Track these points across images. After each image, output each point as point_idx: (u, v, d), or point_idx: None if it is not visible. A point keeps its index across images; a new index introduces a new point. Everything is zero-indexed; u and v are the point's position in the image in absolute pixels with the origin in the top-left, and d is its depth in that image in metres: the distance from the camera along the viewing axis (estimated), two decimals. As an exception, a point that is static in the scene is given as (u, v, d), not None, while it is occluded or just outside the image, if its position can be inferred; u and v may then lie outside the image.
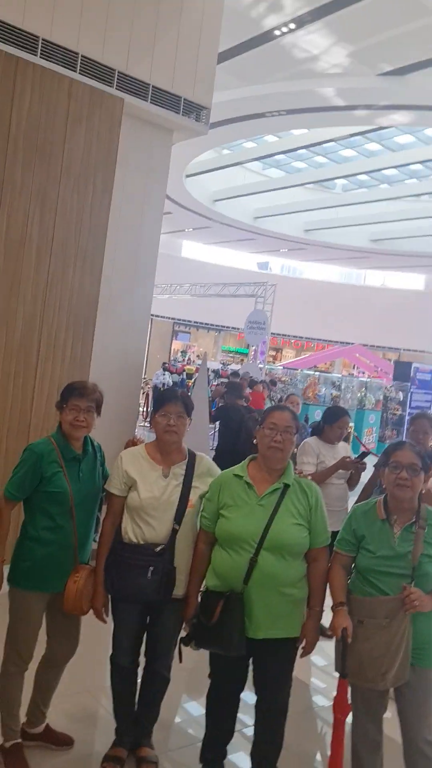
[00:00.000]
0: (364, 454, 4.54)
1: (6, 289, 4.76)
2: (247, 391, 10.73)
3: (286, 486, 2.76)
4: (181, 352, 25.25)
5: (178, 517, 2.84)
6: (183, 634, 2.87)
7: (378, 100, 12.62)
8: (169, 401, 2.88)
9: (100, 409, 2.93)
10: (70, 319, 5.08)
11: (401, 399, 17.68)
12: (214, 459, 7.92)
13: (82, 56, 4.88)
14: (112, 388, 4.40)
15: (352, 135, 16.10)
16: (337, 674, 2.69)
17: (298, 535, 2.72)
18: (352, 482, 4.63)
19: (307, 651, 2.81)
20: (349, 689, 2.68)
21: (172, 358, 22.53)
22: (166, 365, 18.76)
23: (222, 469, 2.97)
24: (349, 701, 2.66)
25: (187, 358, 23.84)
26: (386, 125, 14.83)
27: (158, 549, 2.81)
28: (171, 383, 16.71)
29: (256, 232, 25.09)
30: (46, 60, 4.73)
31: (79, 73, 4.89)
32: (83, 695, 3.52)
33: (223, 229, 25.28)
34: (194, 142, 13.78)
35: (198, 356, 29.10)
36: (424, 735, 2.65)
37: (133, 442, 3.08)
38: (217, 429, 7.38)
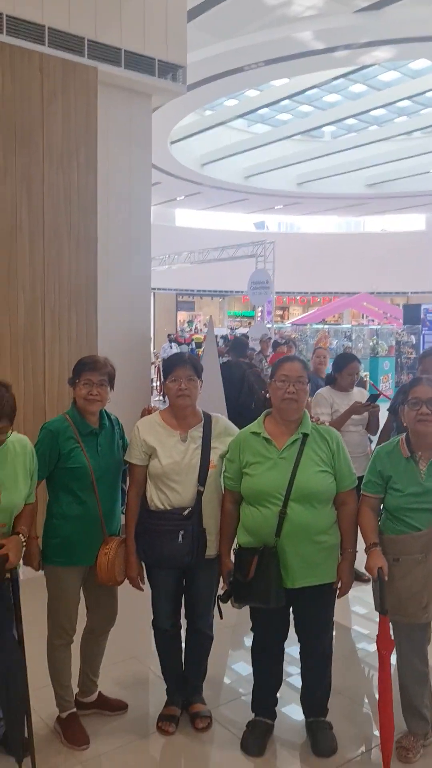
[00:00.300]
0: (375, 397, 4.52)
1: (4, 277, 4.74)
2: (270, 352, 10.67)
3: (305, 435, 2.76)
4: (188, 322, 25.16)
5: (202, 479, 2.86)
6: (220, 592, 2.91)
7: (357, 38, 12.26)
8: (178, 365, 2.88)
9: (113, 383, 2.93)
10: (72, 299, 5.06)
11: (414, 342, 17.53)
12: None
13: (49, 28, 4.78)
14: (120, 363, 4.33)
15: (335, 78, 15.70)
16: (377, 617, 2.73)
17: (323, 481, 2.73)
18: (370, 428, 4.61)
19: (344, 592, 2.85)
20: (391, 626, 2.72)
21: (179, 329, 22.47)
22: (173, 336, 18.70)
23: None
24: (392, 638, 2.70)
25: (194, 328, 23.75)
26: (369, 63, 14.44)
27: (186, 512, 2.83)
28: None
29: (249, 192, 24.73)
30: (13, 36, 4.64)
31: (48, 46, 4.79)
32: (131, 662, 3.60)
33: (215, 193, 24.95)
34: (175, 106, 13.56)
35: (204, 324, 29.03)
36: None
37: (148, 411, 3.08)
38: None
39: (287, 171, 23.35)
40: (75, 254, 5.05)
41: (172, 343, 17.36)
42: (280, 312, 30.46)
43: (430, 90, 16.60)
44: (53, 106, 4.85)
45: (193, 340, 17.79)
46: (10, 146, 4.68)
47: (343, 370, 4.57)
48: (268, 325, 14.58)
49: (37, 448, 2.80)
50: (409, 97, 17.23)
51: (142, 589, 3.00)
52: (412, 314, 18.26)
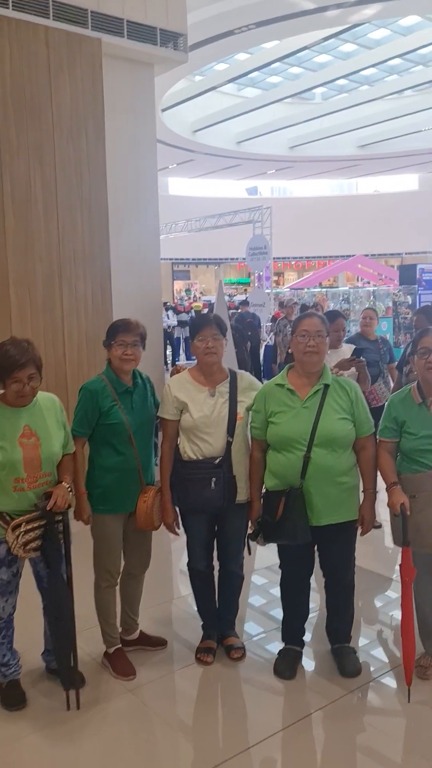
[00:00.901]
0: (359, 352, 4.67)
1: (21, 250, 4.90)
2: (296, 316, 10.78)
3: (326, 386, 2.98)
4: (186, 290, 25.21)
5: (231, 430, 3.08)
6: (249, 531, 3.16)
7: (348, -3, 12.17)
8: (204, 325, 3.09)
9: (145, 343, 3.14)
10: (86, 269, 5.23)
11: (410, 302, 17.71)
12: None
13: (53, 1, 4.85)
14: None
15: (325, 39, 15.56)
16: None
17: (344, 428, 2.96)
18: (360, 382, 4.78)
19: (366, 529, 3.10)
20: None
21: (177, 298, 22.56)
22: (170, 305, 18.76)
23: None
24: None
25: (192, 296, 23.83)
26: (360, 22, 14.31)
27: (217, 461, 3.07)
28: (176, 324, 16.87)
29: (241, 157, 24.60)
30: (19, 11, 4.72)
31: (53, 19, 4.87)
32: (168, 603, 3.89)
33: (207, 160, 24.80)
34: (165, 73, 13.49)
35: (202, 292, 29.07)
36: None
37: (177, 370, 3.30)
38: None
39: (279, 135, 23.21)
40: (88, 225, 5.20)
41: (169, 312, 17.43)
42: (275, 278, 30.48)
43: (420, 47, 16.47)
44: (60, 78, 4.95)
45: (192, 308, 17.88)
46: (22, 120, 4.80)
47: (329, 327, 4.72)
48: (267, 291, 14.71)
49: (79, 408, 3.03)
50: (399, 55, 17.09)
51: (177, 534, 3.24)
52: (408, 274, 18.39)
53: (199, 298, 24.19)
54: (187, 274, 32.28)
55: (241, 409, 3.13)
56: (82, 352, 5.27)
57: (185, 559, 3.34)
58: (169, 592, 4.08)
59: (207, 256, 30.00)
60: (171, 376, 3.27)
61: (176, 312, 17.67)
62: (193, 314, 18.28)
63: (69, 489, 2.90)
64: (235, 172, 28.09)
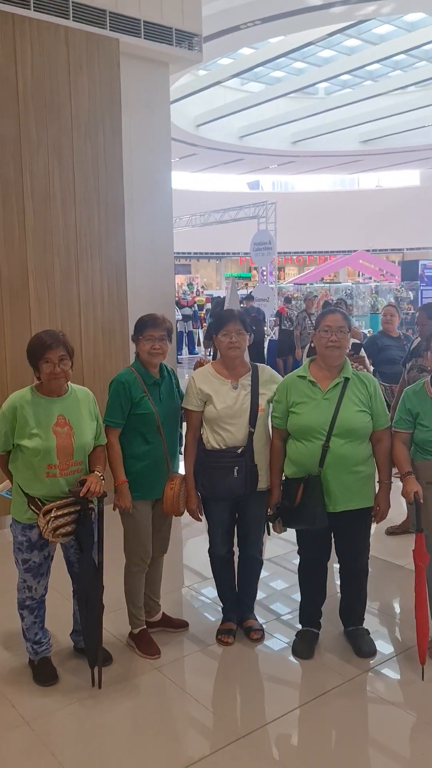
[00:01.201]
0: (357, 347, 4.78)
1: (40, 245, 5.02)
2: (315, 311, 10.58)
3: (347, 379, 3.12)
4: (188, 284, 25.30)
5: (252, 421, 3.22)
6: (269, 514, 3.31)
7: (355, -7, 12.25)
8: (229, 321, 3.22)
9: (171, 337, 3.27)
10: (103, 264, 5.35)
11: (412, 298, 17.85)
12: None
13: (72, 2, 4.96)
14: None
15: (330, 34, 15.63)
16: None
17: (362, 420, 3.10)
18: None
19: (381, 517, 3.24)
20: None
21: (180, 292, 22.67)
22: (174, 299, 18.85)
23: None
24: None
25: (195, 290, 23.92)
26: (366, 18, 14.38)
27: (239, 450, 3.20)
28: (180, 318, 16.97)
29: (244, 152, 24.67)
30: (40, 12, 4.82)
31: (73, 19, 4.97)
32: (189, 588, 4.03)
33: (210, 154, 24.87)
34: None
35: (203, 286, 29.18)
36: None
37: (200, 363, 3.43)
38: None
39: (282, 130, 23.29)
40: (104, 220, 5.32)
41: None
42: (273, 272, 30.56)
43: (425, 44, 16.54)
44: (79, 78, 5.06)
45: (195, 302, 17.99)
46: (42, 118, 4.91)
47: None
48: (271, 286, 14.83)
49: (113, 400, 3.16)
50: (404, 51, 17.16)
51: (200, 520, 3.38)
52: (410, 270, 18.53)
53: (201, 292, 24.28)
54: (188, 269, 32.39)
55: (262, 401, 3.27)
56: (98, 345, 5.40)
57: (197, 546, 3.47)
58: (192, 576, 4.26)
59: (208, 251, 30.11)
60: (195, 369, 3.40)
61: (179, 306, 17.80)
62: (196, 308, 18.42)
63: (102, 478, 3.03)
64: (238, 166, 28.17)
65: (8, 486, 3.15)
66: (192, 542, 4.81)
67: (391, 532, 4.74)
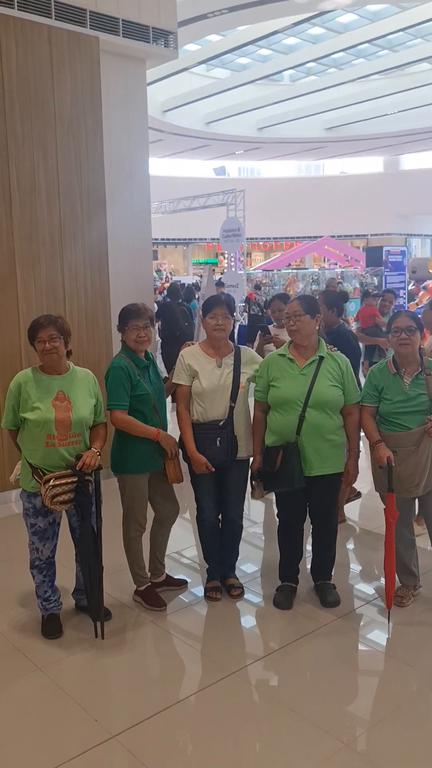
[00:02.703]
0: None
1: (26, 235, 5.26)
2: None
3: (321, 358, 3.51)
4: (156, 271, 25.43)
5: (233, 396, 3.58)
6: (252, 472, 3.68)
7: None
8: (217, 305, 3.57)
9: (154, 323, 3.60)
10: (86, 254, 5.62)
11: (376, 284, 18.37)
12: (161, 347, 9.16)
13: (55, 2, 5.16)
14: None
15: (295, 24, 15.89)
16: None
17: (334, 393, 3.49)
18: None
19: (349, 482, 3.64)
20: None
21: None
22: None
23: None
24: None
25: (164, 277, 24.10)
26: (330, 9, 14.68)
27: (221, 423, 3.56)
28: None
29: (210, 138, 24.80)
30: (23, 11, 5.02)
31: (55, 18, 5.19)
32: (174, 555, 4.39)
33: (176, 140, 24.93)
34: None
35: (171, 272, 29.32)
36: None
37: (187, 345, 3.77)
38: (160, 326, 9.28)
39: (248, 116, 23.48)
40: (87, 213, 5.58)
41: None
42: (242, 258, 30.85)
43: (388, 34, 16.92)
44: (61, 74, 5.29)
45: (164, 288, 18.19)
46: (26, 113, 5.14)
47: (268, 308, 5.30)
48: (240, 272, 15.16)
49: (116, 384, 3.44)
50: (368, 41, 17.51)
51: (212, 470, 3.60)
52: (374, 256, 19.05)
53: (170, 278, 24.46)
54: (155, 255, 32.44)
55: (243, 379, 3.63)
56: (82, 331, 5.67)
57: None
58: (181, 542, 4.60)
59: (175, 236, 30.21)
60: (182, 348, 3.74)
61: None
62: (165, 295, 18.63)
63: (97, 454, 3.35)
64: (204, 152, 28.30)
65: (19, 471, 3.46)
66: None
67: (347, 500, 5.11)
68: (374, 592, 3.85)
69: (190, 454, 3.60)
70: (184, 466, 3.67)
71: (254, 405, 3.66)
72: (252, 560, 4.36)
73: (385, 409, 3.54)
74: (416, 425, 3.45)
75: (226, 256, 16.56)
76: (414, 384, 3.48)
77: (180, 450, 3.65)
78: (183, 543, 4.60)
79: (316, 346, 3.55)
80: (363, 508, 5.17)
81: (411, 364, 3.51)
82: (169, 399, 3.77)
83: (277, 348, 3.89)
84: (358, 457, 3.66)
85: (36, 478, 3.25)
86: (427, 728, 2.74)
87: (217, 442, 3.56)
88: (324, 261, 28.00)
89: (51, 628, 3.44)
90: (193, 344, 3.77)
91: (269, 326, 5.39)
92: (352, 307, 17.02)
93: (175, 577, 3.98)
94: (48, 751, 2.63)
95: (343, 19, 17.22)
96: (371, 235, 29.84)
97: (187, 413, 3.64)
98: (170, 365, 5.37)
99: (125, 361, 3.51)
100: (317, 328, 3.57)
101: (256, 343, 5.28)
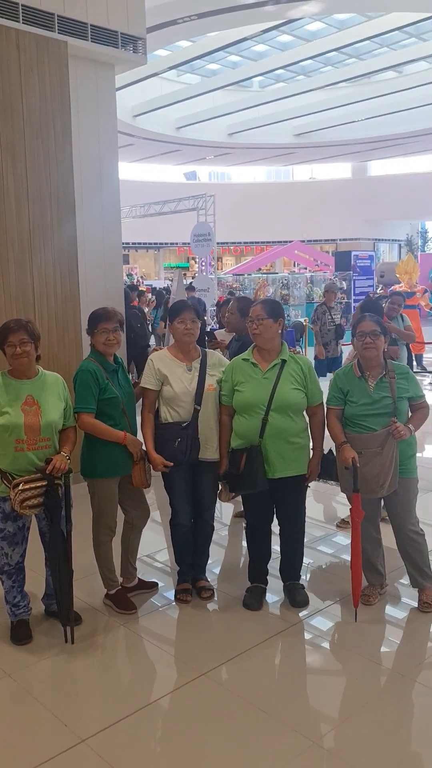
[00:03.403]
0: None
1: (-6, 239, 5.23)
2: (335, 304, 9.75)
3: (284, 361, 3.57)
4: (127, 275, 25.39)
5: (198, 400, 3.60)
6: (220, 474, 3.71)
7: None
8: (184, 310, 3.60)
9: (124, 327, 3.61)
10: (55, 257, 5.60)
11: (345, 288, 18.62)
12: None
13: (22, 5, 5.16)
14: None
15: (264, 31, 16.05)
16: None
17: (297, 396, 3.54)
18: None
19: (311, 479, 3.69)
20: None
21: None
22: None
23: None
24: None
25: (136, 281, 24.05)
26: (298, 17, 14.86)
27: (184, 425, 3.59)
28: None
29: (181, 143, 24.88)
30: (-10, 15, 5.01)
31: (23, 22, 5.18)
32: (145, 558, 4.40)
33: (147, 144, 24.96)
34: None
35: (142, 276, 29.29)
36: (408, 524, 3.61)
37: (155, 350, 3.79)
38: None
39: (218, 121, 23.62)
40: (56, 215, 5.57)
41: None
42: (213, 263, 30.96)
43: (355, 42, 17.18)
44: (30, 79, 5.28)
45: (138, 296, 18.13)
46: (-6, 118, 5.11)
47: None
48: (210, 276, 15.22)
49: (84, 387, 3.44)
50: (335, 49, 17.76)
51: (167, 470, 3.61)
52: (343, 261, 19.32)
53: (141, 282, 24.43)
54: (126, 258, 32.36)
55: (212, 381, 3.66)
56: (52, 334, 5.65)
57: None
58: (152, 546, 4.59)
59: (146, 240, 30.19)
60: (151, 353, 3.77)
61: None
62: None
63: (67, 458, 3.35)
64: (174, 157, 28.35)
65: None
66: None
67: None
68: (343, 591, 3.91)
69: (149, 453, 3.61)
70: (156, 473, 3.69)
71: (220, 409, 3.69)
72: (221, 562, 4.39)
73: (351, 412, 3.61)
74: (381, 427, 3.52)
75: (197, 260, 16.63)
76: (378, 387, 3.55)
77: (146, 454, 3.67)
78: (154, 546, 4.61)
79: (279, 350, 3.60)
80: (330, 507, 5.24)
81: (375, 368, 3.58)
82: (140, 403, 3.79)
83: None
84: (321, 456, 3.71)
85: (5, 482, 3.24)
86: (393, 724, 2.80)
87: (176, 442, 3.57)
88: (294, 265, 28.28)
89: (20, 634, 3.43)
90: (161, 349, 3.80)
91: (215, 332, 5.43)
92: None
93: (147, 580, 3.99)
94: (17, 757, 2.62)
95: (312, 27, 17.46)
96: (340, 239, 30.23)
97: (152, 417, 3.65)
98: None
99: (93, 365, 3.52)
100: (280, 331, 3.62)
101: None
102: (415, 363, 12.05)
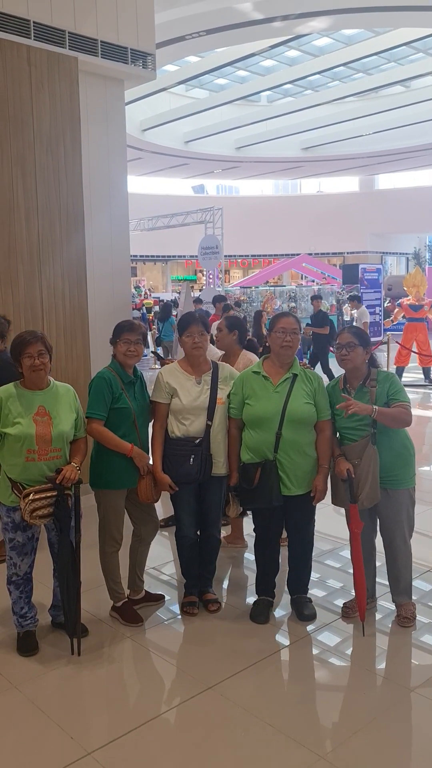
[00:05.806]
0: None
1: (4, 251, 5.27)
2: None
3: (295, 375, 3.56)
4: (135, 287, 25.53)
5: (210, 415, 3.61)
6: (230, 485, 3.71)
7: (294, 9, 12.83)
8: (192, 323, 3.62)
9: (146, 341, 3.63)
10: (64, 270, 5.64)
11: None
12: None
13: (34, 22, 5.23)
14: (107, 327, 4.99)
15: (272, 46, 16.21)
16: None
17: (308, 410, 3.53)
18: None
19: (318, 499, 3.64)
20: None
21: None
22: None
23: None
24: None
25: (143, 293, 24.18)
26: (306, 33, 15.01)
27: (197, 441, 3.59)
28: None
29: (189, 157, 25.06)
30: (2, 31, 5.08)
31: (34, 39, 5.25)
32: (152, 571, 4.39)
33: (155, 158, 25.15)
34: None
35: (150, 289, 29.42)
36: (398, 536, 3.59)
37: (166, 363, 3.81)
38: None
39: (226, 136, 23.81)
40: (65, 228, 5.61)
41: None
42: (220, 275, 31.09)
43: (363, 57, 17.32)
44: (41, 94, 5.34)
45: (144, 305, 18.27)
46: (5, 132, 5.17)
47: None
48: (218, 289, 15.27)
49: (97, 394, 3.47)
50: (343, 64, 17.90)
51: (176, 490, 3.63)
52: (350, 274, 19.34)
53: (149, 295, 24.55)
54: (134, 271, 32.53)
55: (222, 395, 3.67)
56: (60, 347, 5.67)
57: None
58: (158, 560, 4.59)
59: (154, 253, 30.38)
60: (161, 366, 3.78)
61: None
62: (144, 311, 18.71)
63: (77, 468, 3.36)
64: (183, 170, 28.56)
65: None
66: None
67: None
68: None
69: (155, 473, 3.61)
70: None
71: (229, 422, 3.69)
72: (229, 574, 4.38)
73: (338, 425, 3.61)
74: (359, 438, 3.50)
75: (205, 273, 16.69)
76: (357, 397, 3.50)
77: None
78: (161, 559, 4.60)
79: (291, 364, 3.60)
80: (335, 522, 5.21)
81: (357, 379, 3.57)
82: None
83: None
84: (328, 474, 3.67)
85: (16, 492, 3.25)
86: (401, 740, 2.77)
87: (191, 459, 3.58)
88: (301, 278, 28.33)
89: (27, 645, 3.42)
90: (172, 362, 3.81)
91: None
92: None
93: (153, 592, 3.98)
94: (23, 769, 2.61)
95: (319, 43, 17.61)
96: (348, 253, 30.28)
97: (162, 432, 3.66)
98: None
99: (110, 374, 3.54)
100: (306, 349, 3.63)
101: None
102: (422, 376, 12.03)
